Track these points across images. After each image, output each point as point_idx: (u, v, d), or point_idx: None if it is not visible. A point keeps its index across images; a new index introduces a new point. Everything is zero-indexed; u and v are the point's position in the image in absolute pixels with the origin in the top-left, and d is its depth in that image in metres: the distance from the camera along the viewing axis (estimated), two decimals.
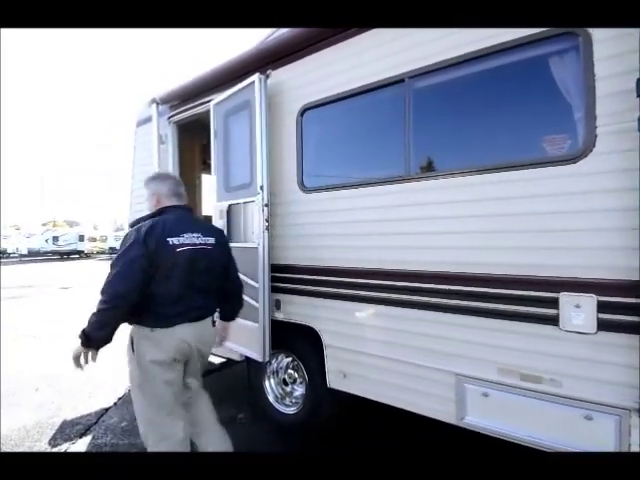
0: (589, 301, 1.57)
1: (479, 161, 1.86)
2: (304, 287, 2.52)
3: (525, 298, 1.72)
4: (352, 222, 2.29)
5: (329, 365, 2.44)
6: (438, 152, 2.06)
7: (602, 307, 1.54)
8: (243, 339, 2.65)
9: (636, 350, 1.47)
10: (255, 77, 2.44)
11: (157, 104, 3.47)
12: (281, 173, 2.60)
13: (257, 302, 2.56)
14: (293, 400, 2.80)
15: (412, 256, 2.05)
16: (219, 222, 2.87)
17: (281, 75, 2.55)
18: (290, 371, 2.82)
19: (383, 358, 2.19)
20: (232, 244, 2.75)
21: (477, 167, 1.84)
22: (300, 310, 2.56)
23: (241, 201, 2.69)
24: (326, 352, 2.45)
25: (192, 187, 4.34)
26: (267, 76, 2.48)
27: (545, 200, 1.66)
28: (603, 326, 1.55)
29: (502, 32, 1.74)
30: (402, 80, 2.05)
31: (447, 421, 1.99)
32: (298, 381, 2.78)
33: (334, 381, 2.43)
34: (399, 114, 2.09)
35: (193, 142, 4.25)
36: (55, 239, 25.48)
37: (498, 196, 1.78)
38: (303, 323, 2.55)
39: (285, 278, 2.61)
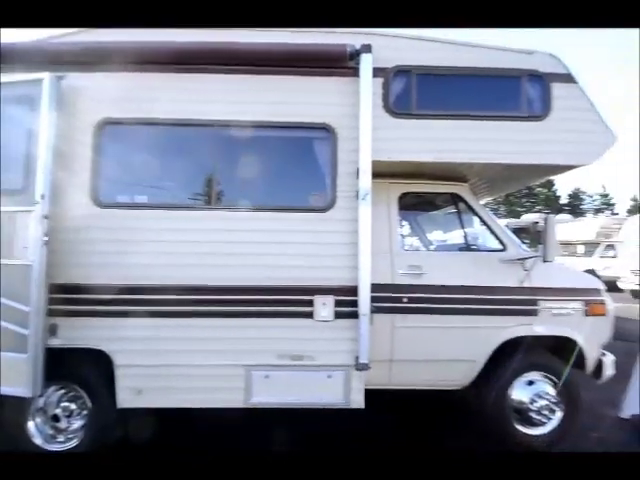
0: (330, 300, 2.46)
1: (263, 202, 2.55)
2: (93, 307, 2.38)
3: (291, 301, 2.46)
4: (143, 241, 2.43)
5: (121, 385, 2.39)
6: (234, 190, 2.62)
7: (337, 303, 2.47)
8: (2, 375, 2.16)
9: (353, 330, 2.44)
10: (46, 76, 2.18)
11: None
12: (70, 183, 2.37)
13: (25, 329, 2.18)
14: (70, 435, 2.47)
15: (196, 272, 2.43)
16: None
17: (79, 81, 2.37)
18: (65, 404, 2.48)
19: (181, 366, 2.42)
20: None
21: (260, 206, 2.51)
22: (86, 333, 2.38)
23: (5, 209, 2.23)
24: (118, 372, 2.39)
25: None
26: (60, 78, 2.26)
27: (306, 234, 2.48)
28: (338, 315, 2.47)
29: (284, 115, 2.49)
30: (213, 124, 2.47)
31: (236, 406, 2.45)
32: (75, 412, 2.49)
33: (127, 400, 2.40)
34: (203, 152, 2.49)
35: None
36: None
37: (275, 229, 2.47)
38: (90, 347, 2.38)
39: (68, 299, 2.36)
